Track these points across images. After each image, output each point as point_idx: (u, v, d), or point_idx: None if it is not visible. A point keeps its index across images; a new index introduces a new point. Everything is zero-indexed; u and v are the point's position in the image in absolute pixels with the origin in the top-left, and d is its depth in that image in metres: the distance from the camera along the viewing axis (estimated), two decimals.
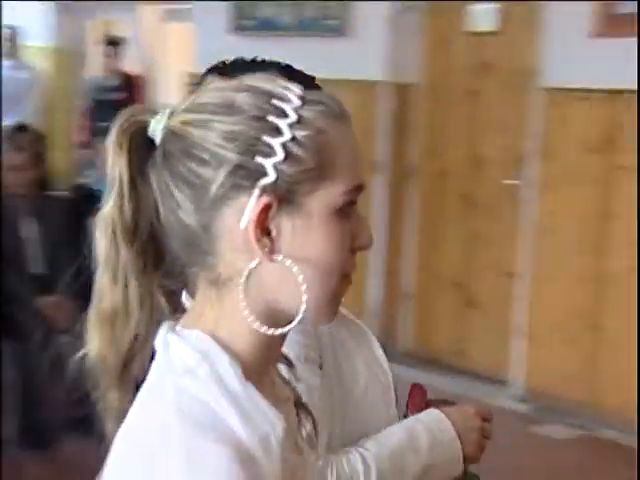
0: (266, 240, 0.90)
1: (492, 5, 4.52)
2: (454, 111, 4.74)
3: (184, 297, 1.00)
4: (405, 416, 1.39)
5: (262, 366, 0.97)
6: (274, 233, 0.91)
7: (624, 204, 3.96)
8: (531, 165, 4.33)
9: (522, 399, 4.32)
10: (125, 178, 0.93)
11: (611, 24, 3.94)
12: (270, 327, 0.93)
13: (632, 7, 3.86)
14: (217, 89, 0.93)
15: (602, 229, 4.05)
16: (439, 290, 4.82)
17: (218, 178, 0.90)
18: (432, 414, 1.37)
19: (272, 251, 0.90)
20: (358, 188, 0.94)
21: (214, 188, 0.90)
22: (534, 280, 4.34)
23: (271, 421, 0.91)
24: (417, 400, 1.40)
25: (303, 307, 0.91)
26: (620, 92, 3.89)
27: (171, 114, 0.94)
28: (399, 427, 1.36)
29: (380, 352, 1.41)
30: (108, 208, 0.94)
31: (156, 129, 0.94)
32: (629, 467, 3.52)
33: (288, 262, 0.90)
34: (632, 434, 3.78)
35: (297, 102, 0.92)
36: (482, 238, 4.62)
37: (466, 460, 1.35)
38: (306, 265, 0.91)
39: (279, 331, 0.93)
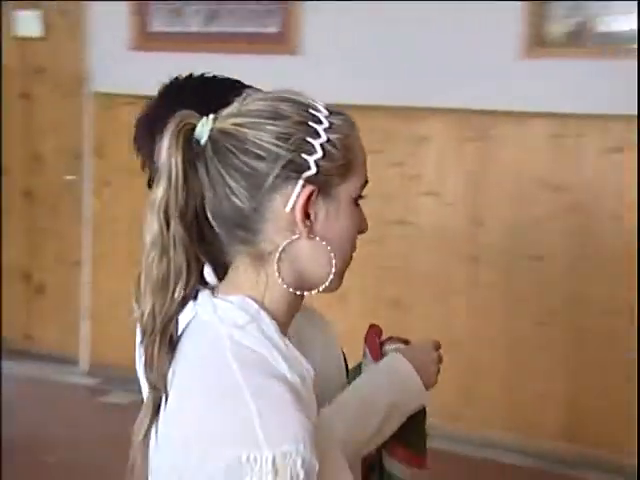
0: (307, 222, 1.06)
1: (35, 13, 4.70)
2: (9, 113, 4.87)
3: (206, 272, 1.11)
4: (364, 354, 1.44)
5: (287, 323, 1.13)
6: (312, 216, 1.07)
7: None
8: (87, 162, 4.69)
9: (89, 374, 4.73)
10: (180, 169, 1.05)
11: (146, 39, 4.42)
12: (298, 291, 1.10)
13: (164, 26, 4.37)
14: (260, 99, 1.08)
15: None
16: (6, 282, 4.96)
17: (274, 171, 1.04)
18: (397, 360, 1.40)
19: (310, 231, 1.07)
20: (366, 182, 1.12)
21: (270, 179, 1.04)
22: (97, 267, 4.74)
23: (305, 366, 1.06)
24: (372, 341, 1.45)
25: (331, 276, 1.09)
26: None
27: (215, 119, 1.07)
28: (361, 384, 1.37)
29: (333, 339, 1.46)
30: (161, 193, 1.05)
31: (203, 131, 1.06)
32: None
33: (322, 241, 1.07)
34: None
35: (326, 112, 1.09)
36: (47, 231, 4.88)
37: (427, 388, 1.39)
38: (332, 243, 1.09)
39: (314, 292, 1.10)
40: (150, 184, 1.39)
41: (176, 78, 1.51)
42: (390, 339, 1.43)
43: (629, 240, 3.70)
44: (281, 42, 4.17)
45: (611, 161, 3.74)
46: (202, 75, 1.50)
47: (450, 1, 3.85)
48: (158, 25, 4.40)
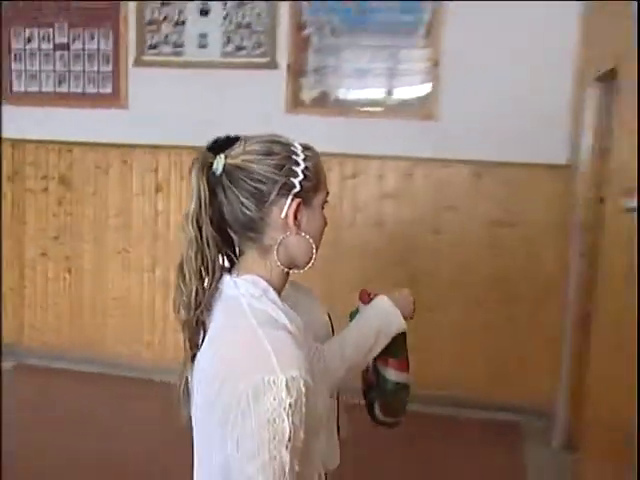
0: (296, 223, 1.31)
1: None
2: None
3: (220, 261, 1.32)
4: (359, 305, 1.72)
5: (281, 292, 1.35)
6: (299, 220, 1.32)
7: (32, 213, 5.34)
8: None
9: None
10: (207, 192, 1.28)
11: (11, 96, 5.07)
12: (288, 269, 1.33)
13: (24, 87, 4.98)
14: (257, 142, 1.33)
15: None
16: None
17: (274, 191, 1.29)
18: (382, 300, 1.66)
19: (298, 230, 1.32)
20: (327, 193, 1.38)
21: (272, 197, 1.29)
22: None
23: (298, 321, 1.30)
24: (365, 296, 1.73)
25: (314, 258, 1.34)
26: None
27: (226, 156, 1.31)
28: (358, 319, 1.65)
29: (316, 301, 1.62)
30: (192, 208, 1.28)
31: (218, 166, 1.30)
32: None
33: (306, 235, 1.32)
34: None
35: (300, 147, 1.34)
36: None
37: (406, 319, 1.67)
38: (311, 237, 1.34)
39: (302, 271, 1.35)
40: None
41: (218, 137, 1.78)
42: (375, 295, 1.73)
43: (363, 240, 4.85)
44: (114, 100, 4.95)
45: (348, 185, 4.86)
46: (235, 135, 1.71)
47: (238, 73, 4.84)
48: (19, 86, 5.15)
